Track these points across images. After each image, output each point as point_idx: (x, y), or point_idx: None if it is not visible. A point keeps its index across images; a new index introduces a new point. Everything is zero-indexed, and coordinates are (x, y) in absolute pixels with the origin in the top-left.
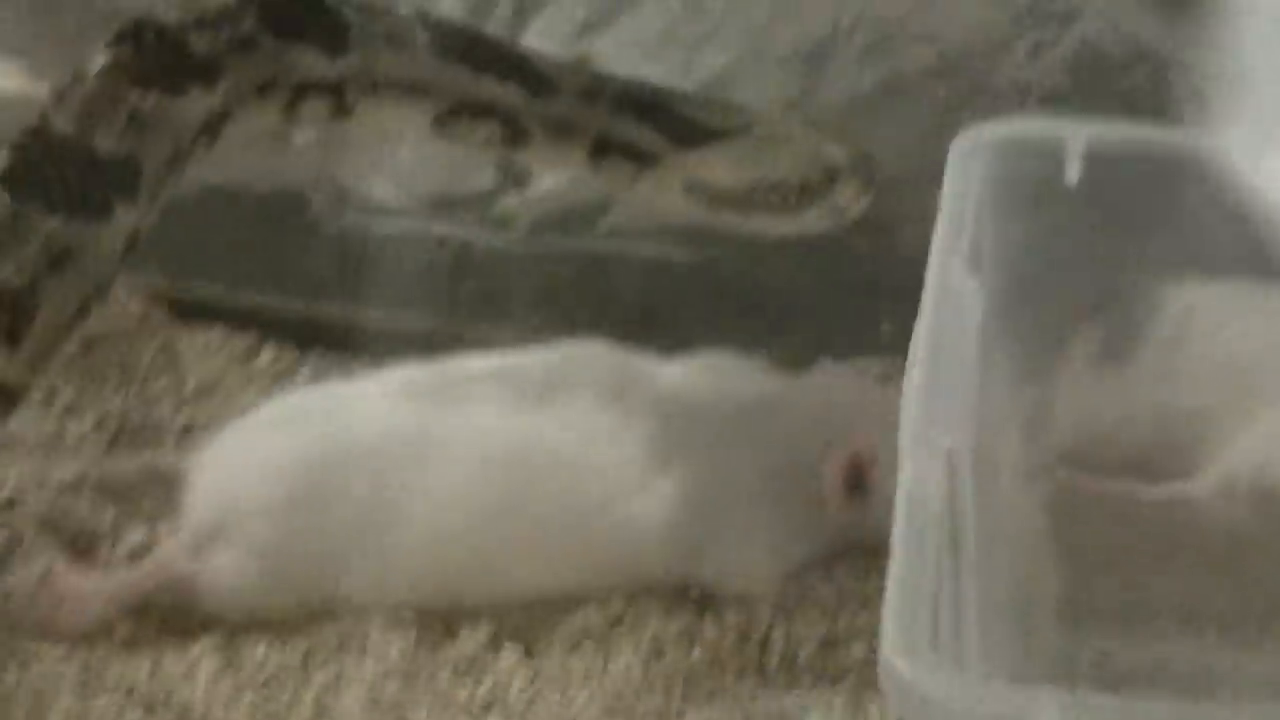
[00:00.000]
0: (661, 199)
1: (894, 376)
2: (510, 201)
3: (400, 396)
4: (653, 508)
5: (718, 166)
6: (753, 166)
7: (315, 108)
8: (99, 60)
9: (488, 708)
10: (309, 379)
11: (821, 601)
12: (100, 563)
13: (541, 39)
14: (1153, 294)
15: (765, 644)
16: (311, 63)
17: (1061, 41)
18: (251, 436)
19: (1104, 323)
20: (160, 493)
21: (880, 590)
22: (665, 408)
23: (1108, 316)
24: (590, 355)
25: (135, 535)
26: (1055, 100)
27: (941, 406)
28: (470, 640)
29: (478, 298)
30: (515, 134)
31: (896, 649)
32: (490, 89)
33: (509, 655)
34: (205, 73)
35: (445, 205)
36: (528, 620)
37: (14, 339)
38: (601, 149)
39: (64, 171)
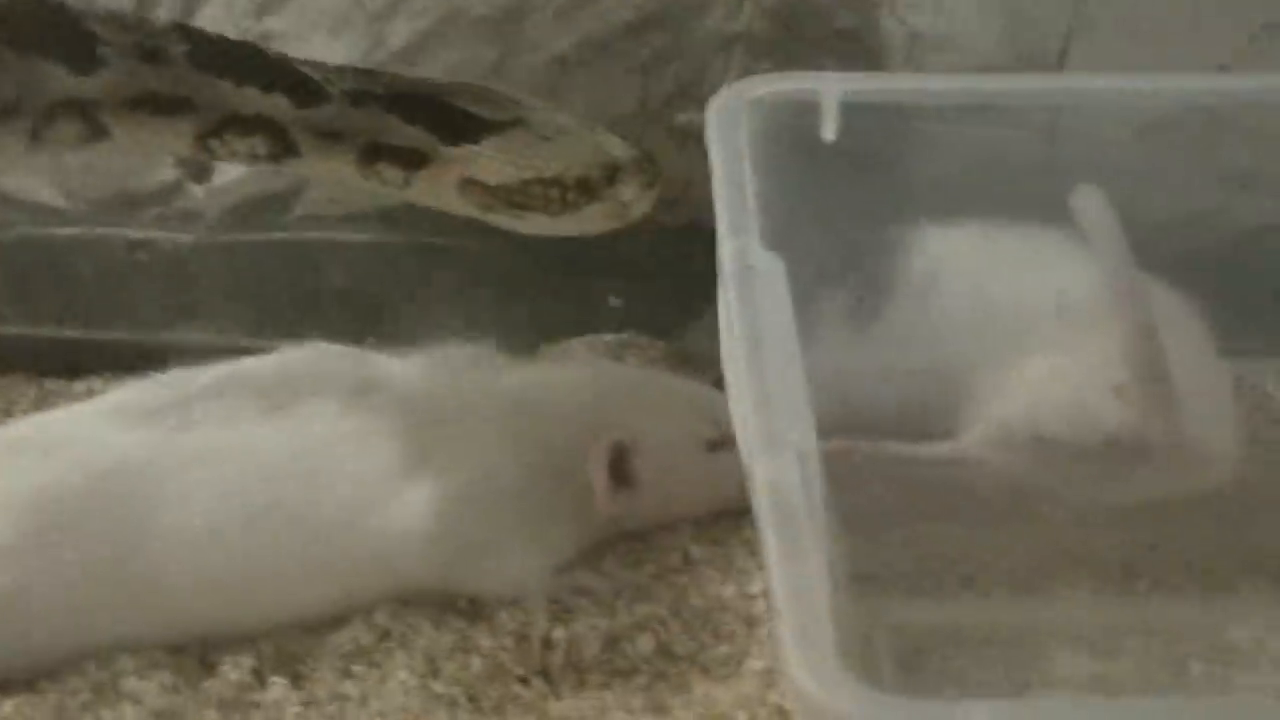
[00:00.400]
0: (436, 199)
1: (627, 351)
2: (195, 194)
3: (122, 421)
4: (407, 516)
5: (491, 163)
6: (527, 163)
7: (65, 130)
8: None
9: None
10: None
11: (597, 596)
12: None
13: (215, 22)
14: (900, 245)
15: (547, 645)
16: (60, 81)
17: None
18: None
19: (854, 280)
20: None
21: (655, 579)
22: (409, 408)
23: (857, 274)
24: (320, 358)
25: None
26: (760, 51)
27: (780, 402)
28: (232, 674)
29: (174, 301)
30: (283, 147)
31: (812, 678)
32: (255, 101)
33: (276, 686)
34: None
35: (125, 205)
36: (290, 646)
37: None
38: (371, 154)
39: None
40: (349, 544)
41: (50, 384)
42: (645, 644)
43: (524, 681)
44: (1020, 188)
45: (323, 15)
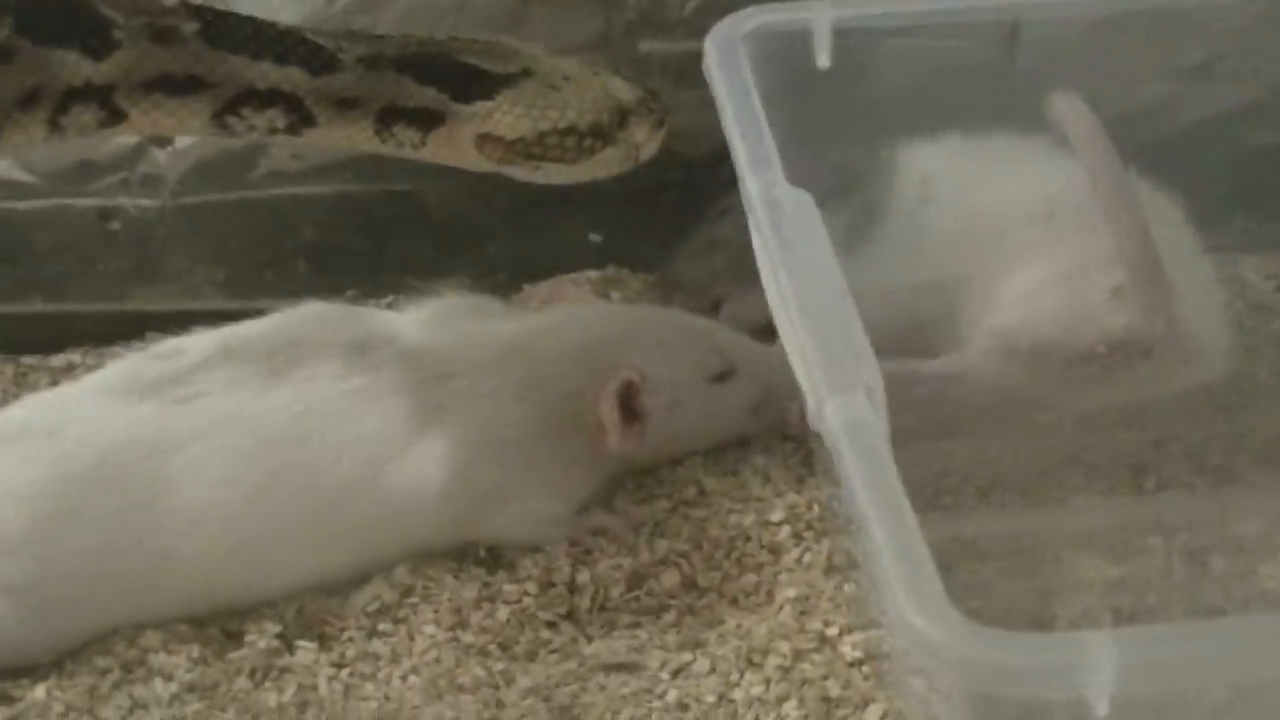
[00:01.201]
0: (452, 156)
1: (611, 286)
2: (157, 158)
3: (124, 397)
4: (420, 471)
5: (506, 118)
6: (541, 114)
7: (83, 116)
8: None
9: (303, 708)
10: None
11: (615, 535)
12: None
13: None
14: (886, 165)
15: (572, 589)
16: (75, 67)
17: None
18: None
19: (848, 202)
20: None
21: (669, 513)
22: (411, 363)
23: (849, 196)
24: (317, 317)
25: None
26: None
27: (842, 341)
28: (259, 641)
29: (143, 267)
30: (300, 118)
31: (927, 619)
32: (270, 74)
33: (304, 650)
34: None
35: (86, 173)
36: (313, 609)
37: None
38: (387, 118)
39: None
40: (364, 504)
41: (27, 359)
42: (670, 579)
43: (553, 626)
44: (990, 97)
45: None
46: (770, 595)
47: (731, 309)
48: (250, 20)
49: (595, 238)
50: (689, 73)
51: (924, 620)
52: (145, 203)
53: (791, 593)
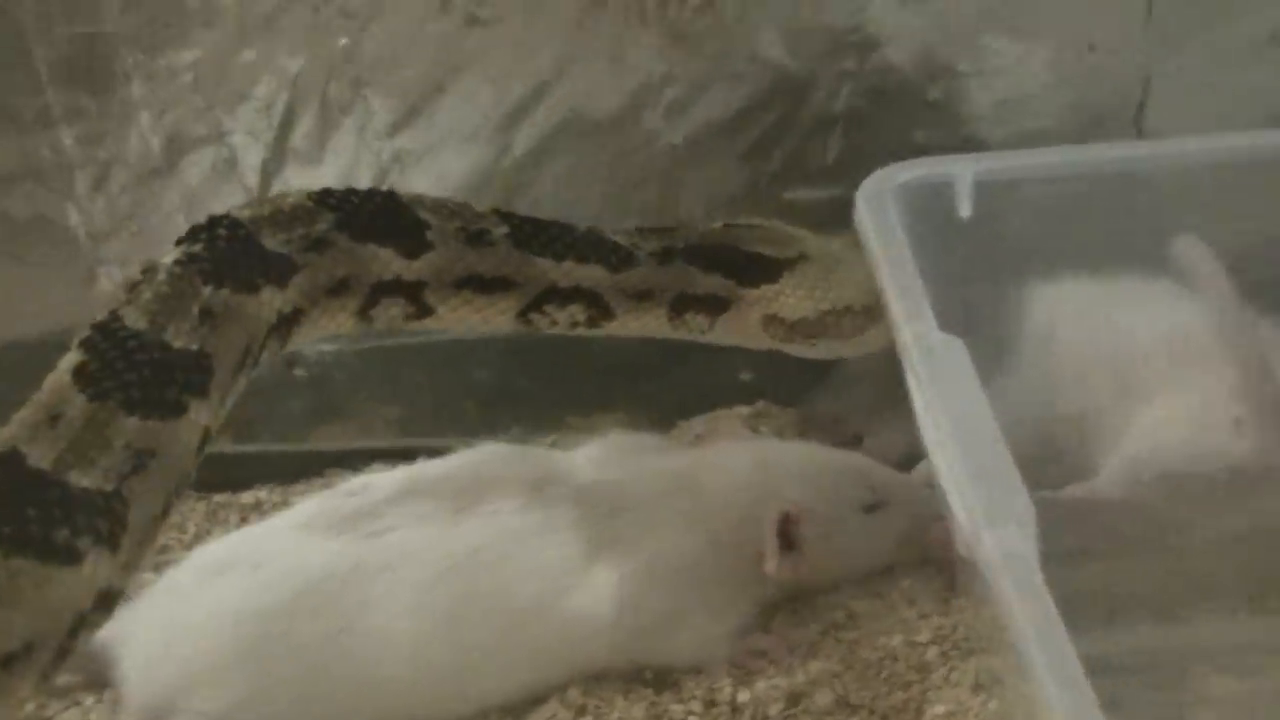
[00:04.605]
0: (740, 337)
1: (760, 421)
2: None
3: (320, 532)
4: (595, 599)
5: (790, 300)
6: (822, 296)
7: (391, 308)
8: (171, 253)
9: None
10: None
11: (773, 657)
12: None
13: (350, 144)
14: (1017, 304)
15: (734, 708)
16: (387, 263)
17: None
18: (181, 598)
19: (980, 339)
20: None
21: (821, 636)
22: (585, 498)
23: (981, 334)
24: (496, 457)
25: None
26: (857, 127)
27: (994, 477)
28: None
29: (320, 408)
30: (599, 312)
31: None
32: (573, 273)
33: None
34: (278, 271)
35: None
36: None
37: (114, 543)
38: (679, 307)
39: (137, 368)
40: (542, 629)
41: (218, 498)
42: (824, 698)
43: None
44: (1116, 239)
45: (450, 131)
46: (920, 711)
47: (873, 442)
48: (553, 223)
49: (747, 376)
50: (833, 219)
51: None
52: (325, 347)
53: (940, 709)
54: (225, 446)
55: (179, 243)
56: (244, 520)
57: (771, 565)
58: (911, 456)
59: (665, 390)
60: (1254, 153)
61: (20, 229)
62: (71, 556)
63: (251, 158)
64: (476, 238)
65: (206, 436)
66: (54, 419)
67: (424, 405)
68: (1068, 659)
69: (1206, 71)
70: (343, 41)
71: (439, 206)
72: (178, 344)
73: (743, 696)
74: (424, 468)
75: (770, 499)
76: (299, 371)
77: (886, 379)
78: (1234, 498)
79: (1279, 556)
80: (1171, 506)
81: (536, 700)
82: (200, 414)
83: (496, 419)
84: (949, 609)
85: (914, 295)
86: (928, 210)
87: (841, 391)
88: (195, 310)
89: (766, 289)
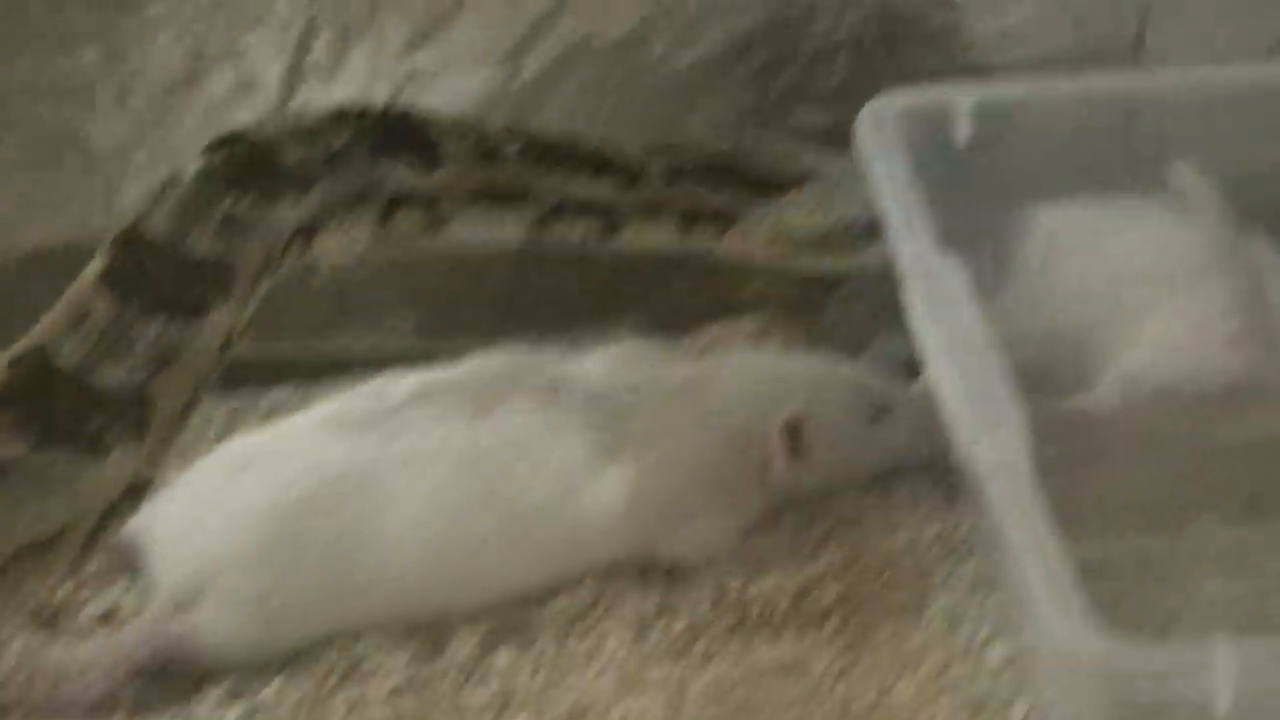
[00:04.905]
0: (745, 250)
1: (770, 331)
2: None
3: (340, 431)
4: (608, 495)
5: (796, 215)
6: (826, 211)
7: (408, 220)
8: (194, 165)
9: (506, 703)
10: None
11: (781, 554)
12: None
13: (367, 59)
14: (1015, 226)
15: (742, 602)
16: (403, 177)
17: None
18: (207, 489)
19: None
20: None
21: (827, 535)
22: (597, 401)
23: (980, 255)
24: (509, 362)
25: (96, 605)
26: (861, 54)
27: (988, 388)
28: (465, 646)
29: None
30: (610, 225)
31: (1068, 628)
32: (585, 188)
33: (506, 653)
34: (297, 183)
35: None
36: (509, 620)
37: (139, 436)
38: (690, 220)
39: (161, 272)
40: (555, 524)
41: (239, 399)
42: (830, 593)
43: (726, 633)
44: (1113, 165)
45: (464, 52)
46: (921, 611)
47: (876, 352)
48: (568, 140)
49: (754, 288)
50: (837, 142)
51: (1065, 629)
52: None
53: (941, 607)
54: (247, 350)
55: (201, 154)
56: (265, 420)
57: (778, 470)
58: (914, 368)
59: (675, 300)
60: (1252, 82)
61: (46, 141)
62: (99, 449)
63: (270, 75)
64: (490, 153)
65: (229, 339)
66: (80, 319)
67: (440, 311)
68: (1057, 561)
69: (1205, 1)
70: None
71: (453, 123)
72: (200, 250)
73: (751, 591)
74: (440, 372)
75: (777, 406)
76: (318, 280)
77: (889, 293)
78: (1229, 411)
79: (1275, 467)
80: (1168, 419)
81: (548, 595)
82: (222, 316)
83: (511, 325)
84: (951, 512)
85: (912, 217)
86: (927, 136)
87: (846, 304)
88: (217, 218)
89: (773, 205)
